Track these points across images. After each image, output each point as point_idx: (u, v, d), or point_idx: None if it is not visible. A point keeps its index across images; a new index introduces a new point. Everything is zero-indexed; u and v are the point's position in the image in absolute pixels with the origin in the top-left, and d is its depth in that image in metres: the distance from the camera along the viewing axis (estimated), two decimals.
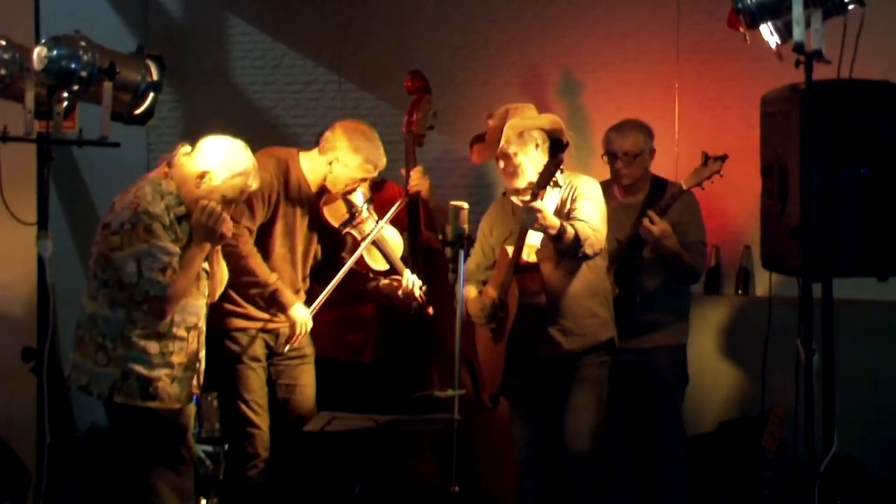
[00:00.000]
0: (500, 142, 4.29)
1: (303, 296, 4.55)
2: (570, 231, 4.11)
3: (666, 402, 4.71)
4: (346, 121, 4.52)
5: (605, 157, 4.73)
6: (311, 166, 4.43)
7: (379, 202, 5.04)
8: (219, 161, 3.93)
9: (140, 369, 3.86)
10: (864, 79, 3.61)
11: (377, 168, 4.43)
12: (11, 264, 4.80)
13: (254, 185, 4.01)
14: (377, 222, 4.52)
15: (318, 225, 4.52)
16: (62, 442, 4.95)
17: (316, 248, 4.57)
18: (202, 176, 3.91)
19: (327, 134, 4.44)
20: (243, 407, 4.44)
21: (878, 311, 5.04)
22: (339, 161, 4.38)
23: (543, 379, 4.35)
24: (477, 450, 4.81)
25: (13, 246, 4.54)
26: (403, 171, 4.98)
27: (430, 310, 4.67)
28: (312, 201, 4.47)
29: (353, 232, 4.52)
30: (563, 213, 4.26)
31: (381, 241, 4.57)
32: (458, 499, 3.88)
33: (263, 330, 4.47)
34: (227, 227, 3.93)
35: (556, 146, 4.10)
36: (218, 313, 4.25)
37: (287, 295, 4.39)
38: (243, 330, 4.42)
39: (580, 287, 4.32)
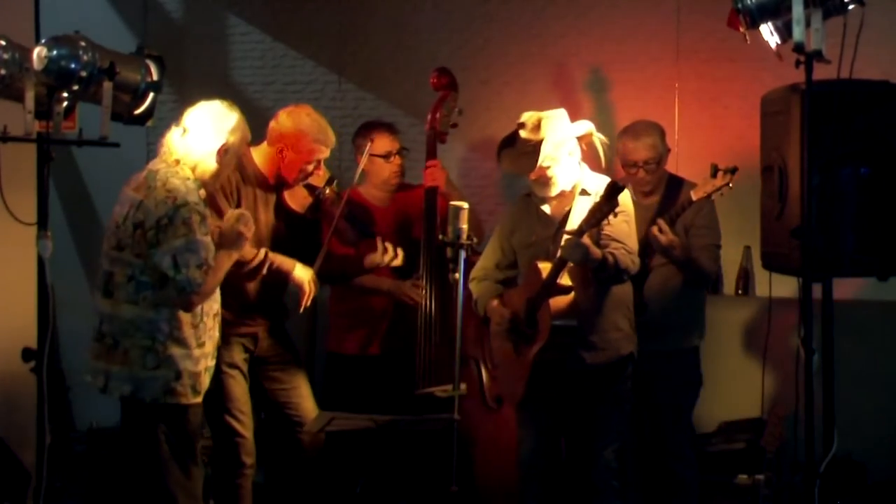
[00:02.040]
0: (533, 153, 4.19)
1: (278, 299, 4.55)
2: (610, 261, 4.06)
3: (675, 405, 4.66)
4: (288, 106, 4.49)
5: (624, 167, 4.65)
6: (264, 158, 4.39)
7: (407, 201, 5.04)
8: (224, 130, 3.98)
9: (190, 366, 3.90)
10: (864, 79, 3.61)
11: (328, 146, 4.39)
12: (11, 264, 4.79)
13: (248, 132, 4.11)
14: (342, 199, 4.49)
15: (283, 215, 4.48)
16: (62, 442, 4.95)
17: (286, 237, 4.52)
18: (221, 151, 3.97)
19: (272, 124, 4.41)
20: (227, 417, 4.41)
21: (878, 311, 5.04)
22: (289, 147, 4.35)
23: (563, 391, 4.30)
24: (477, 449, 4.80)
25: (13, 246, 4.54)
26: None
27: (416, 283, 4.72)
28: (272, 192, 4.44)
29: (321, 215, 4.49)
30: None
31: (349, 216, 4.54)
32: (458, 498, 3.88)
33: (239, 335, 4.43)
34: (249, 232, 4.03)
35: (614, 190, 3.94)
36: None
37: (283, 260, 4.36)
38: (221, 336, 4.39)
39: (607, 301, 4.26)
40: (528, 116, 4.30)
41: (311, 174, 4.42)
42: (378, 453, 4.86)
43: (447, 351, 4.65)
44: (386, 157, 4.93)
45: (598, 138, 4.32)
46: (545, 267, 4.16)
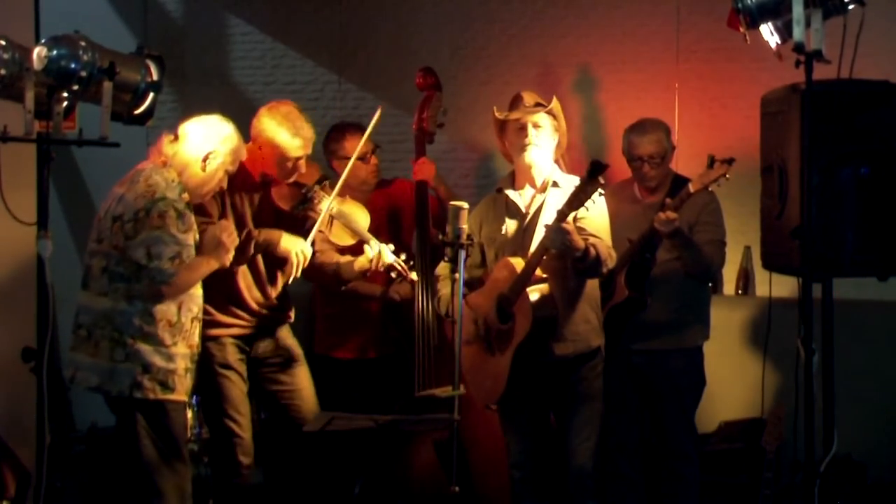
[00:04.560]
0: (530, 109, 4.22)
1: (273, 293, 4.51)
2: (591, 252, 4.04)
3: (677, 405, 4.66)
4: (269, 103, 4.48)
5: (630, 163, 4.67)
6: (248, 158, 4.36)
7: (387, 198, 5.03)
8: (215, 139, 4.06)
9: (159, 362, 3.92)
10: (864, 79, 3.61)
11: (305, 140, 4.36)
12: (11, 264, 4.79)
13: (244, 152, 4.15)
14: (332, 198, 4.44)
15: (273, 214, 4.44)
16: (62, 442, 4.95)
17: None
18: (206, 158, 4.03)
19: (253, 122, 4.42)
20: (223, 418, 4.42)
21: (878, 311, 5.04)
22: (268, 143, 4.34)
23: (534, 386, 4.29)
24: (474, 450, 4.80)
25: (13, 246, 4.54)
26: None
27: (413, 276, 4.59)
28: (259, 191, 4.42)
29: (309, 212, 4.44)
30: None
31: (342, 215, 4.48)
32: (458, 499, 3.88)
33: (234, 336, 4.43)
34: (231, 242, 4.05)
35: (597, 168, 3.89)
36: None
37: (269, 232, 4.33)
38: (214, 338, 4.37)
39: (576, 294, 4.26)
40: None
41: (294, 171, 4.38)
42: (378, 453, 4.86)
43: (445, 353, 4.65)
44: (363, 158, 4.89)
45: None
46: (518, 262, 4.15)
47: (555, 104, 4.26)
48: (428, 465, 4.79)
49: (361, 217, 4.58)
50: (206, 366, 4.35)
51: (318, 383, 4.92)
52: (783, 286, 4.09)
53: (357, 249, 4.59)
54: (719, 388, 5.17)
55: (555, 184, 4.23)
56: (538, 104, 4.27)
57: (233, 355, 4.43)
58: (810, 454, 3.46)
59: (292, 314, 4.64)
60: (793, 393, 3.57)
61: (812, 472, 3.51)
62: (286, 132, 4.33)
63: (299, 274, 4.35)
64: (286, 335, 4.60)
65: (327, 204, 4.41)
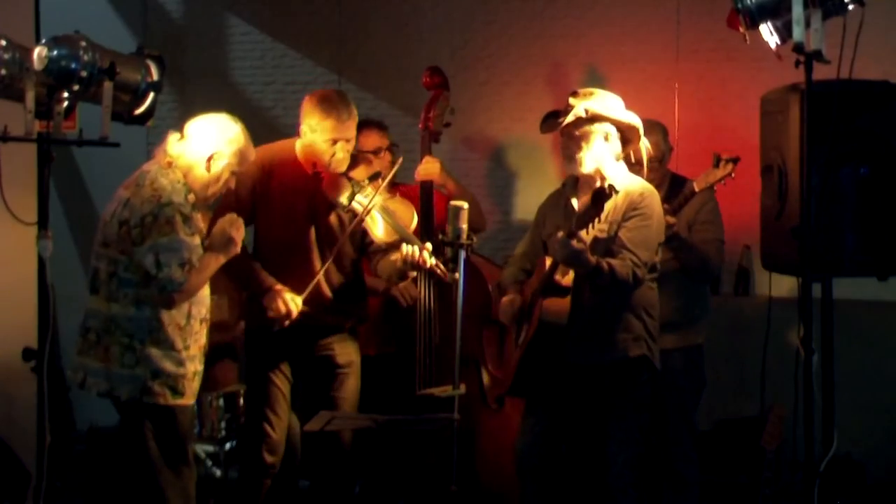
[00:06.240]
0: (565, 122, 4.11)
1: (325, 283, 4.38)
2: (605, 269, 3.96)
3: (677, 404, 4.64)
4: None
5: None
6: (301, 149, 4.33)
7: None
8: (220, 139, 4.01)
9: (170, 367, 3.89)
10: (864, 79, 3.60)
11: (339, 122, 4.24)
12: (11, 264, 4.79)
13: (252, 152, 4.09)
14: (379, 191, 4.28)
15: (326, 206, 4.33)
16: (62, 442, 4.95)
17: (321, 226, 4.40)
18: (211, 158, 3.99)
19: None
20: (261, 420, 4.37)
21: (878, 311, 5.04)
22: (310, 128, 4.28)
23: (565, 385, 4.23)
24: (478, 449, 4.80)
25: (13, 246, 4.54)
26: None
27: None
28: (312, 184, 4.31)
29: (355, 206, 4.29)
30: (613, 223, 4.09)
31: (386, 211, 4.30)
32: (458, 498, 3.88)
33: (277, 331, 4.31)
34: (240, 236, 4.02)
35: (598, 196, 3.83)
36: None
37: (265, 276, 4.27)
38: (260, 333, 4.34)
39: (618, 301, 4.14)
40: (583, 90, 4.25)
41: (334, 157, 4.25)
42: (378, 453, 4.85)
43: (446, 351, 4.64)
44: (375, 153, 4.87)
45: (645, 146, 4.24)
46: (549, 263, 4.15)
47: (592, 107, 4.11)
48: (428, 465, 4.78)
49: (406, 215, 4.39)
50: (252, 362, 4.36)
51: None
52: (783, 286, 4.09)
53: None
54: (719, 388, 5.18)
55: (611, 188, 4.16)
56: (581, 119, 4.11)
57: (278, 352, 4.38)
58: (810, 454, 3.46)
59: (353, 322, 4.52)
60: (793, 393, 3.57)
61: (812, 472, 3.51)
62: (318, 114, 4.25)
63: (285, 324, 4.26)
64: (340, 340, 4.47)
65: (372, 198, 4.25)
